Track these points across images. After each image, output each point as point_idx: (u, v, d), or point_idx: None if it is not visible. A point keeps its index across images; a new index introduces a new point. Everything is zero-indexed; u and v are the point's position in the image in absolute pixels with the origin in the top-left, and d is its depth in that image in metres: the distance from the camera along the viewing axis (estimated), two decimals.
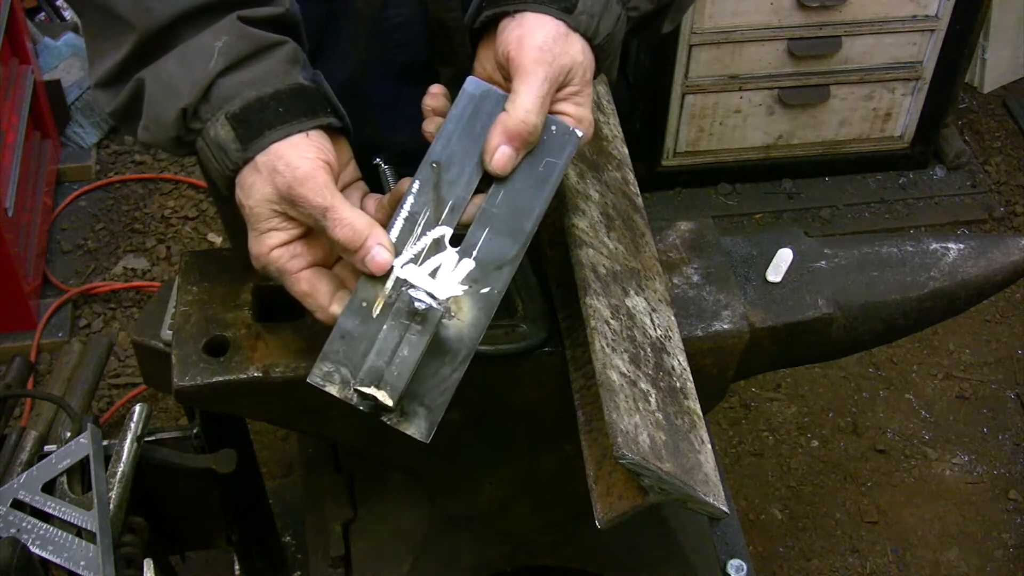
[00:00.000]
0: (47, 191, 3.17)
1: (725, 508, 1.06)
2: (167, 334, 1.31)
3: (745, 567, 1.66)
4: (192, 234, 3.20)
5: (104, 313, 2.98)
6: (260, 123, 1.02)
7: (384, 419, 1.01)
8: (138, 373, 2.66)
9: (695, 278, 1.29)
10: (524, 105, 1.03)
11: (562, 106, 1.08)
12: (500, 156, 1.04)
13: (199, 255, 1.29)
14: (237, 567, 1.76)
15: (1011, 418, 2.80)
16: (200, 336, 1.19)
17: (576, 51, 1.07)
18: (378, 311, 1.02)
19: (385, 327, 1.01)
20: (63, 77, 3.33)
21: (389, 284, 1.02)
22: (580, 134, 1.07)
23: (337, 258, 1.08)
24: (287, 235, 1.04)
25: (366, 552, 1.53)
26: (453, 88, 1.37)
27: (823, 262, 1.34)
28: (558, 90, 1.07)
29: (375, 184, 1.24)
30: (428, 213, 1.05)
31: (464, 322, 1.03)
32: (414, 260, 1.04)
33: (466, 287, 1.03)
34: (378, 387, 0.99)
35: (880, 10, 2.97)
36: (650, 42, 2.92)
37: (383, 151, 1.15)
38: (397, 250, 1.03)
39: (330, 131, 1.07)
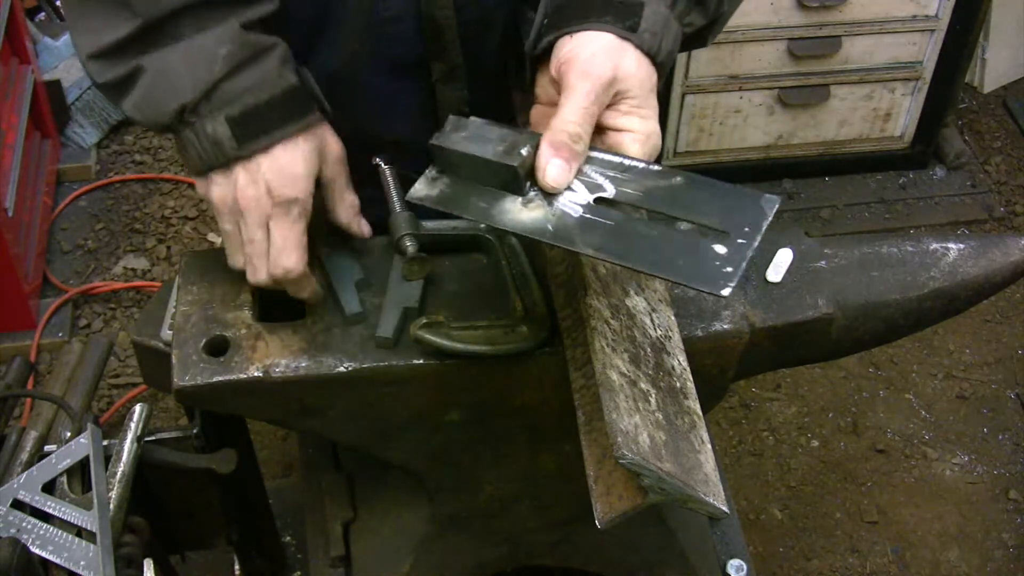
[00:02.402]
0: (47, 191, 3.17)
1: (725, 508, 1.06)
2: (167, 334, 1.31)
3: (745, 567, 1.66)
4: (192, 234, 3.20)
5: (104, 313, 2.98)
6: (256, 128, 1.10)
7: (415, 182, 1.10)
8: (138, 373, 2.66)
9: None
10: (566, 117, 1.04)
11: (624, 121, 1.08)
12: (552, 169, 1.03)
13: (199, 255, 1.29)
14: (237, 567, 1.76)
15: (1011, 418, 2.80)
16: (200, 336, 1.19)
17: (629, 63, 1.06)
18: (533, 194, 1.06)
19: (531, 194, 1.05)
20: (63, 77, 3.33)
21: (557, 200, 1.05)
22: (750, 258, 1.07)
23: None
24: None
25: (366, 552, 1.53)
26: (446, 83, 1.37)
27: (823, 262, 1.34)
28: (618, 104, 1.07)
29: (374, 183, 1.24)
30: (622, 177, 1.06)
31: (526, 215, 1.05)
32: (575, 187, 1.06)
33: (549, 208, 1.05)
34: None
35: (880, 10, 2.96)
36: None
37: (377, 142, 1.16)
38: (583, 178, 1.06)
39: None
